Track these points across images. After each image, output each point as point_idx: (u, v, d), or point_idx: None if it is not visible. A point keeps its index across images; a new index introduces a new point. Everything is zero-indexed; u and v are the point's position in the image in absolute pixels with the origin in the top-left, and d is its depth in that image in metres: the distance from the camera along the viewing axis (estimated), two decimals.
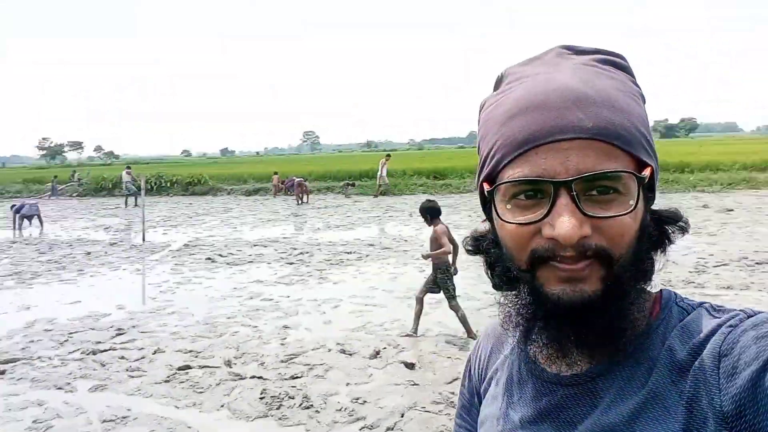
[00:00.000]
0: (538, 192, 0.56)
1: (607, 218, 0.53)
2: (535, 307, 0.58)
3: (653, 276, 0.60)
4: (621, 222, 0.54)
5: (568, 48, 0.62)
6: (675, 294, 0.61)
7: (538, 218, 0.55)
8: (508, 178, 0.57)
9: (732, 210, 13.72)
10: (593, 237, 0.54)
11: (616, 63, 0.61)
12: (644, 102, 0.61)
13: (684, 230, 0.62)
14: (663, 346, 0.56)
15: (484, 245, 0.65)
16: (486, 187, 0.60)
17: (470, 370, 0.79)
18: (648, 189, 0.58)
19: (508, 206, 0.58)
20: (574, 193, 0.53)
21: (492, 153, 0.59)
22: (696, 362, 0.53)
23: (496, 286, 0.65)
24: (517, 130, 0.56)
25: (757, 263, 7.91)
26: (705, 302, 0.59)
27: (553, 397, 0.61)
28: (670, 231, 0.62)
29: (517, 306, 0.61)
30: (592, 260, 0.54)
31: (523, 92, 0.58)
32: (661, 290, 0.62)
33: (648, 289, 0.61)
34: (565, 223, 0.52)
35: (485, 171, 0.61)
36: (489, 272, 0.65)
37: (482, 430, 0.70)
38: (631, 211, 0.54)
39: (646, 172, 0.56)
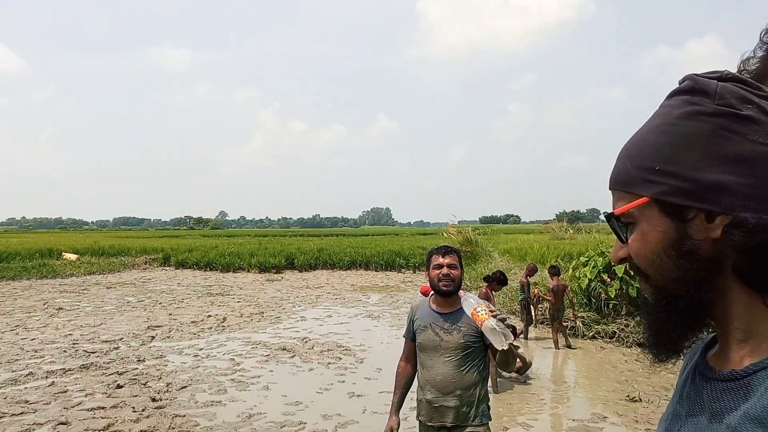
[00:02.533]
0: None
1: (625, 244, 0.70)
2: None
3: (716, 286, 0.66)
4: (631, 246, 0.69)
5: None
6: None
7: None
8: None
9: None
10: (631, 258, 0.70)
11: (676, 90, 0.69)
12: (700, 117, 0.65)
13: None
14: None
15: None
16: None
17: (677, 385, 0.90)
18: (674, 212, 0.66)
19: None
20: (616, 228, 0.70)
21: None
22: None
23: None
24: None
25: None
26: None
27: (711, 392, 0.68)
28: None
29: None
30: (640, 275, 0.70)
31: None
32: None
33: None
34: (613, 248, 0.73)
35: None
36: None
37: (658, 428, 0.81)
38: (626, 241, 0.69)
39: (619, 210, 0.69)
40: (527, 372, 7.01)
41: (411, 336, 2.94)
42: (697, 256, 0.64)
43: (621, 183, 0.69)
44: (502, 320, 2.39)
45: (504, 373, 6.80)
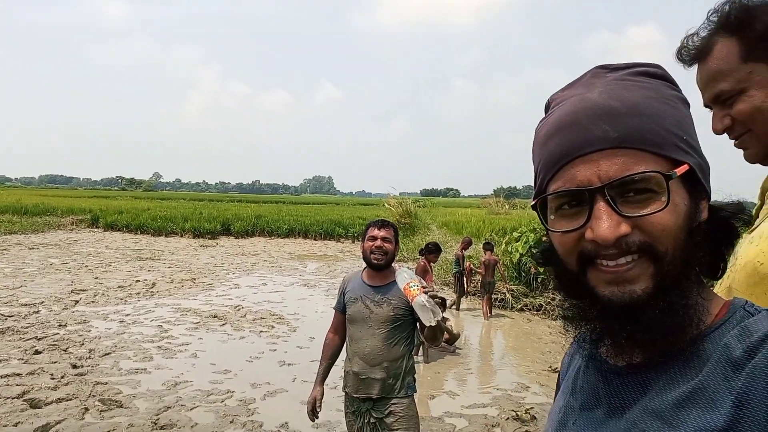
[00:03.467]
0: (579, 201, 0.61)
1: (644, 216, 0.58)
2: (589, 308, 0.63)
3: (719, 270, 0.65)
4: (660, 218, 0.58)
5: (604, 67, 0.67)
6: (746, 301, 0.62)
7: (581, 224, 0.61)
8: (551, 192, 0.64)
9: None
10: (635, 234, 0.58)
11: (650, 72, 0.65)
12: (686, 104, 0.66)
13: (748, 223, 0.66)
14: (720, 343, 0.58)
15: (549, 257, 0.70)
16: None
17: (558, 377, 0.86)
18: (693, 185, 0.62)
19: (553, 217, 0.65)
20: (608, 198, 0.58)
21: (538, 171, 0.67)
22: (752, 361, 0.54)
23: (564, 293, 0.70)
24: (554, 149, 0.64)
25: None
26: None
27: (608, 385, 0.66)
28: (734, 224, 0.65)
29: (577, 309, 0.66)
30: (640, 257, 0.59)
31: (558, 114, 0.65)
32: (734, 297, 0.65)
33: (707, 284, 0.65)
34: (602, 225, 0.58)
35: (536, 189, 0.69)
36: (557, 281, 0.70)
37: (548, 422, 0.79)
38: (665, 207, 0.58)
39: (679, 170, 0.60)
40: (456, 342, 7.18)
41: (341, 308, 2.93)
42: (699, 238, 0.62)
43: (651, 143, 0.59)
44: (433, 297, 2.41)
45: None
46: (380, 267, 2.79)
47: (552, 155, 0.64)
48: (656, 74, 0.65)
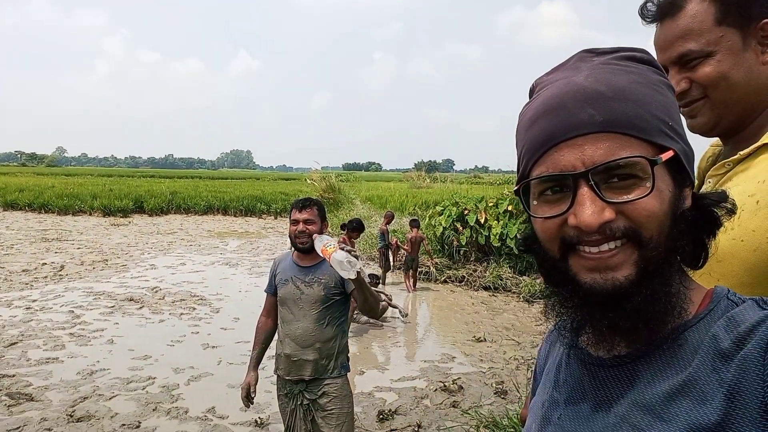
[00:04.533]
0: (562, 187, 0.60)
1: (628, 202, 0.57)
2: (571, 295, 0.62)
3: (700, 259, 0.64)
4: (644, 204, 0.57)
5: (590, 51, 0.65)
6: (729, 290, 0.62)
7: (564, 210, 0.60)
8: (533, 177, 0.63)
9: None
10: (619, 220, 0.58)
11: (636, 57, 0.64)
12: (671, 90, 0.65)
13: (731, 212, 0.64)
14: (707, 334, 0.57)
15: (531, 244, 0.69)
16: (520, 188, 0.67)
17: (536, 367, 0.84)
18: (678, 171, 0.61)
19: (536, 202, 0.64)
20: (592, 183, 0.57)
21: (521, 156, 0.66)
22: (741, 352, 0.53)
23: (545, 280, 0.69)
24: (538, 133, 0.62)
25: None
26: (757, 297, 0.59)
27: (594, 378, 0.65)
28: (716, 213, 0.64)
29: (558, 296, 0.65)
30: (624, 244, 0.58)
31: (543, 98, 0.63)
32: (715, 286, 0.63)
33: (690, 273, 0.64)
34: (585, 211, 0.57)
35: (518, 174, 0.67)
36: (540, 268, 0.69)
37: (530, 416, 0.75)
38: (650, 192, 0.57)
39: (664, 156, 0.59)
40: (383, 315, 7.25)
41: (272, 290, 2.87)
42: (682, 223, 0.61)
43: (637, 128, 0.58)
44: (349, 252, 2.44)
45: (361, 318, 7.00)
46: (306, 250, 2.74)
47: (536, 139, 0.62)
48: (642, 59, 0.64)
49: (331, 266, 2.43)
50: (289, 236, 2.78)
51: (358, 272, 2.39)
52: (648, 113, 0.59)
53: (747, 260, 0.86)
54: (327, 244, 2.47)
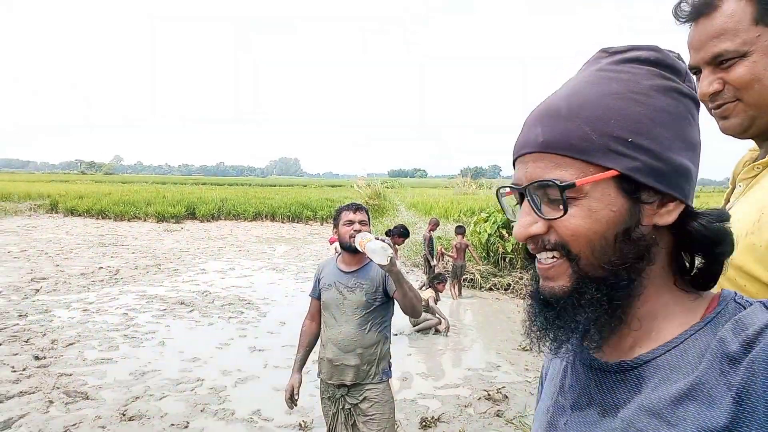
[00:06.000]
0: (521, 198, 0.65)
1: (553, 219, 0.60)
2: (537, 295, 0.67)
3: (700, 277, 0.64)
4: (566, 223, 0.60)
5: (605, 50, 0.66)
6: (736, 293, 0.62)
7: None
8: (501, 186, 0.69)
9: None
10: (551, 235, 0.61)
11: (641, 58, 0.63)
12: (667, 93, 0.62)
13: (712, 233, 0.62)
14: (714, 337, 0.57)
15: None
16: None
17: (542, 373, 0.85)
18: (632, 191, 0.60)
19: (513, 209, 0.69)
20: (528, 198, 0.62)
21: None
22: (750, 355, 0.53)
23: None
24: (514, 145, 0.67)
25: None
26: (764, 300, 0.58)
27: (600, 383, 0.65)
28: (705, 232, 0.62)
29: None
30: (559, 256, 0.62)
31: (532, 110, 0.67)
32: (722, 289, 0.63)
33: (640, 283, 0.63)
34: (518, 222, 0.63)
35: None
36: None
37: (535, 422, 0.76)
38: (562, 215, 0.59)
39: (586, 180, 0.59)
40: (442, 328, 7.19)
41: (317, 294, 2.92)
42: (640, 242, 0.61)
43: (575, 149, 0.60)
44: (383, 241, 2.48)
45: (414, 328, 7.00)
46: (357, 251, 2.78)
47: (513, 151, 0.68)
48: (647, 60, 0.63)
49: (367, 255, 2.47)
50: (341, 237, 2.82)
51: (392, 261, 2.41)
52: (597, 132, 0.60)
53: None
54: (364, 236, 2.52)
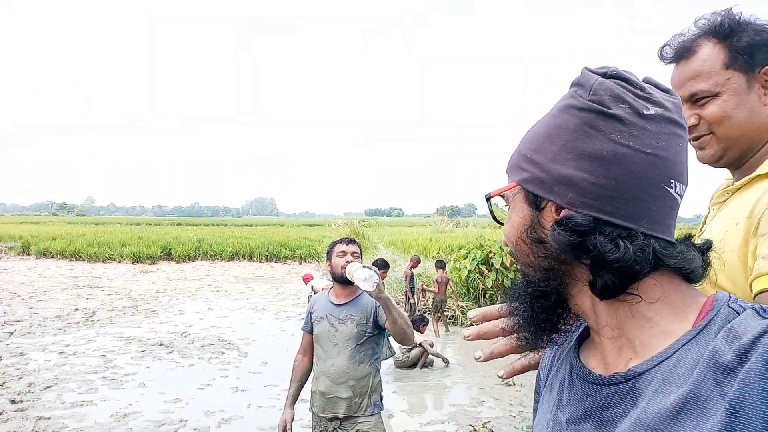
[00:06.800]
0: None
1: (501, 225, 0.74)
2: None
3: (569, 278, 0.67)
4: (504, 229, 0.72)
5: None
6: (730, 296, 0.61)
7: None
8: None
9: None
10: None
11: (574, 81, 0.69)
12: (578, 110, 0.64)
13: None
14: (707, 347, 0.56)
15: None
16: None
17: (538, 377, 0.87)
18: (533, 199, 0.67)
19: None
20: (489, 207, 0.73)
21: None
22: (744, 367, 0.52)
23: None
24: None
25: None
26: (758, 304, 0.57)
27: (596, 397, 0.65)
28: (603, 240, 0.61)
29: None
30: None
31: None
32: (716, 292, 0.62)
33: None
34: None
35: None
36: None
37: None
38: (503, 223, 0.73)
39: (496, 191, 0.72)
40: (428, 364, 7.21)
41: (309, 328, 2.96)
42: (547, 246, 0.65)
43: (507, 167, 0.72)
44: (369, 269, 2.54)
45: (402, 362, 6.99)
46: (350, 282, 2.85)
47: None
48: (573, 81, 0.68)
49: (354, 282, 2.52)
50: (333, 269, 2.89)
51: (380, 288, 2.48)
52: (517, 153, 0.71)
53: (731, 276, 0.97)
54: (352, 266, 2.59)
